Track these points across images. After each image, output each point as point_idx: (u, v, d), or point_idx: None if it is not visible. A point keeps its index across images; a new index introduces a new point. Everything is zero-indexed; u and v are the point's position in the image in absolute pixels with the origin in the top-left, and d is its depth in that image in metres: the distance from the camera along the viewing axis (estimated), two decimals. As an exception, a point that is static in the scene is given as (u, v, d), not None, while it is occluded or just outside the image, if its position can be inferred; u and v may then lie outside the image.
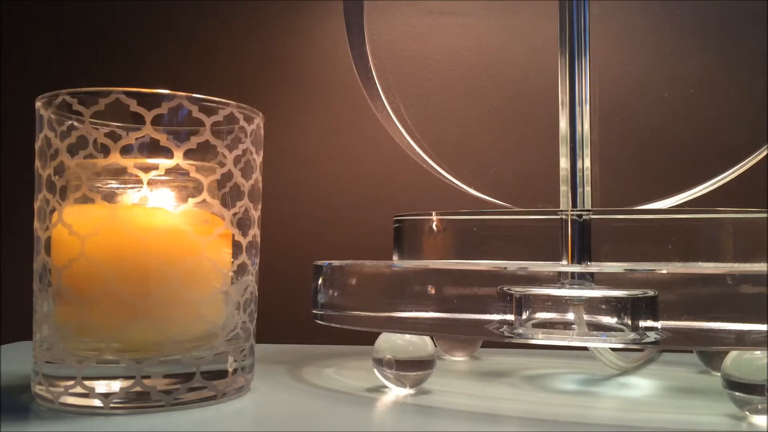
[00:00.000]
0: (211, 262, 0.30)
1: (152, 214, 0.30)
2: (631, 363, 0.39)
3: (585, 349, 0.38)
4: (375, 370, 0.33)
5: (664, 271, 0.27)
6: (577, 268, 0.32)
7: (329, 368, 0.39)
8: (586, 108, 0.36)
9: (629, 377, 0.38)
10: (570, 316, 0.28)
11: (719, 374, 0.28)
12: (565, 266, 0.32)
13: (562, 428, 0.27)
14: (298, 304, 0.49)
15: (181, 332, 0.29)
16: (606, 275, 0.29)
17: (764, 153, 0.40)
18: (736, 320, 0.25)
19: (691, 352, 0.41)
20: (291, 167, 0.55)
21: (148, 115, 0.29)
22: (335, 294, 0.33)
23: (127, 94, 0.29)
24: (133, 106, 0.29)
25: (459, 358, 0.43)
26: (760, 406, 0.27)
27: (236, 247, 0.32)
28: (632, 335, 0.27)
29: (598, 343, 0.34)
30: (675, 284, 0.27)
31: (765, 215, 0.32)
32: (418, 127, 0.45)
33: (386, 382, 0.33)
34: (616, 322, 0.27)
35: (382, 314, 0.31)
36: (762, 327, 0.25)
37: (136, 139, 0.29)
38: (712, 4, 0.47)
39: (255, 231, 0.33)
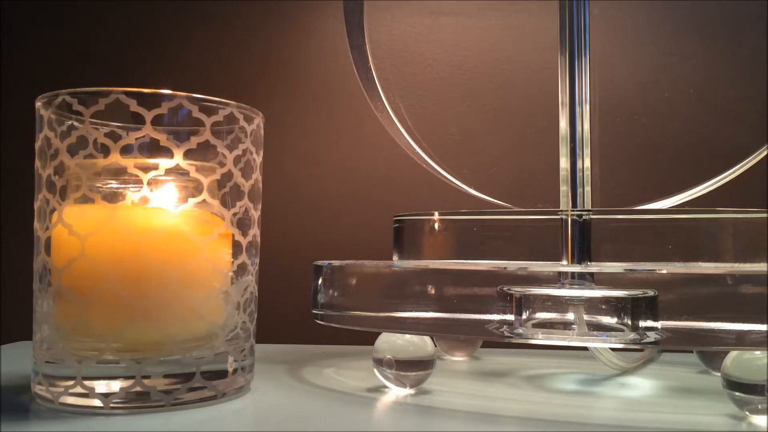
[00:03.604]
0: (211, 262, 0.30)
1: (152, 214, 0.30)
2: (631, 363, 0.39)
3: (585, 349, 0.38)
4: (375, 370, 0.33)
5: (664, 271, 0.27)
6: (577, 268, 0.32)
7: (329, 368, 0.39)
8: (586, 108, 0.36)
9: (629, 377, 0.37)
10: (570, 316, 0.28)
11: (719, 374, 0.28)
12: (565, 266, 0.32)
13: (562, 428, 0.27)
14: (298, 304, 0.49)
15: (181, 332, 0.29)
16: (606, 275, 0.29)
17: (764, 153, 0.40)
18: (736, 320, 0.25)
19: (691, 352, 0.41)
20: (291, 167, 0.55)
21: (148, 115, 0.29)
22: (335, 294, 0.33)
23: (127, 94, 0.29)
24: (133, 106, 0.29)
25: (459, 358, 0.43)
26: (760, 406, 0.27)
27: (236, 247, 0.32)
28: (632, 335, 0.27)
29: (598, 343, 0.34)
30: (675, 284, 0.27)
31: (765, 215, 0.32)
32: (418, 127, 0.45)
33: (386, 382, 0.33)
34: (616, 322, 0.27)
35: (382, 314, 0.31)
36: (762, 327, 0.25)
37: (136, 139, 0.29)
38: (712, 4, 0.47)
39: (255, 231, 0.33)
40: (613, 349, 0.37)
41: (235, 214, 0.31)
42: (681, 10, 0.48)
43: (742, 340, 0.25)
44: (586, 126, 0.36)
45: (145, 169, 0.29)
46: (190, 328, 0.30)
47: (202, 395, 0.30)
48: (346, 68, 0.49)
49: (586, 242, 0.33)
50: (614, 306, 0.27)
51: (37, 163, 0.31)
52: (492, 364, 0.42)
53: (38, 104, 0.31)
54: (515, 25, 0.53)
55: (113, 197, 0.30)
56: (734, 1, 0.46)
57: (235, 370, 0.31)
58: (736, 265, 0.31)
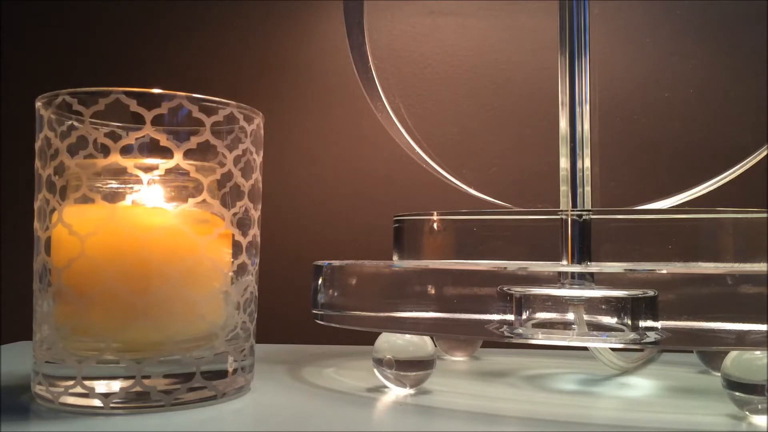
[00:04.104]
0: (211, 261, 0.30)
1: (152, 214, 0.30)
2: (631, 363, 0.39)
3: (585, 349, 0.38)
4: (375, 370, 0.33)
5: (664, 271, 0.27)
6: (577, 268, 0.32)
7: (329, 368, 0.39)
8: (586, 108, 0.36)
9: (629, 377, 0.37)
10: (570, 316, 0.28)
11: (719, 374, 0.28)
12: (565, 266, 0.32)
13: (562, 428, 0.27)
14: (298, 304, 0.49)
15: (181, 332, 0.29)
16: (606, 275, 0.29)
17: (764, 153, 0.40)
18: (736, 320, 0.25)
19: (691, 352, 0.41)
20: (291, 167, 0.55)
21: (148, 115, 0.29)
22: (335, 294, 0.33)
23: (127, 94, 0.29)
24: (133, 106, 0.29)
25: (459, 358, 0.43)
26: (760, 406, 0.27)
27: (236, 247, 0.32)
28: (632, 335, 0.27)
29: (598, 343, 0.34)
30: (675, 284, 0.27)
31: (765, 215, 0.32)
32: (418, 127, 0.45)
33: (386, 382, 0.33)
34: (616, 322, 0.27)
35: (382, 314, 0.31)
36: (762, 327, 0.25)
37: (136, 139, 0.29)
38: (712, 4, 0.47)
39: (255, 231, 0.33)
40: (613, 349, 0.37)
41: (235, 214, 0.31)
42: (681, 10, 0.48)
43: (742, 340, 0.25)
44: (586, 126, 0.36)
45: (145, 169, 0.29)
46: (190, 328, 0.30)
47: (202, 395, 0.30)
48: (346, 68, 0.49)
49: (586, 242, 0.33)
50: (614, 306, 0.27)
51: (37, 163, 0.31)
52: (492, 364, 0.42)
53: (38, 104, 0.31)
54: (515, 25, 0.53)
55: (113, 197, 0.30)
56: (734, 1, 0.46)
57: (235, 370, 0.31)
58: (736, 265, 0.31)
